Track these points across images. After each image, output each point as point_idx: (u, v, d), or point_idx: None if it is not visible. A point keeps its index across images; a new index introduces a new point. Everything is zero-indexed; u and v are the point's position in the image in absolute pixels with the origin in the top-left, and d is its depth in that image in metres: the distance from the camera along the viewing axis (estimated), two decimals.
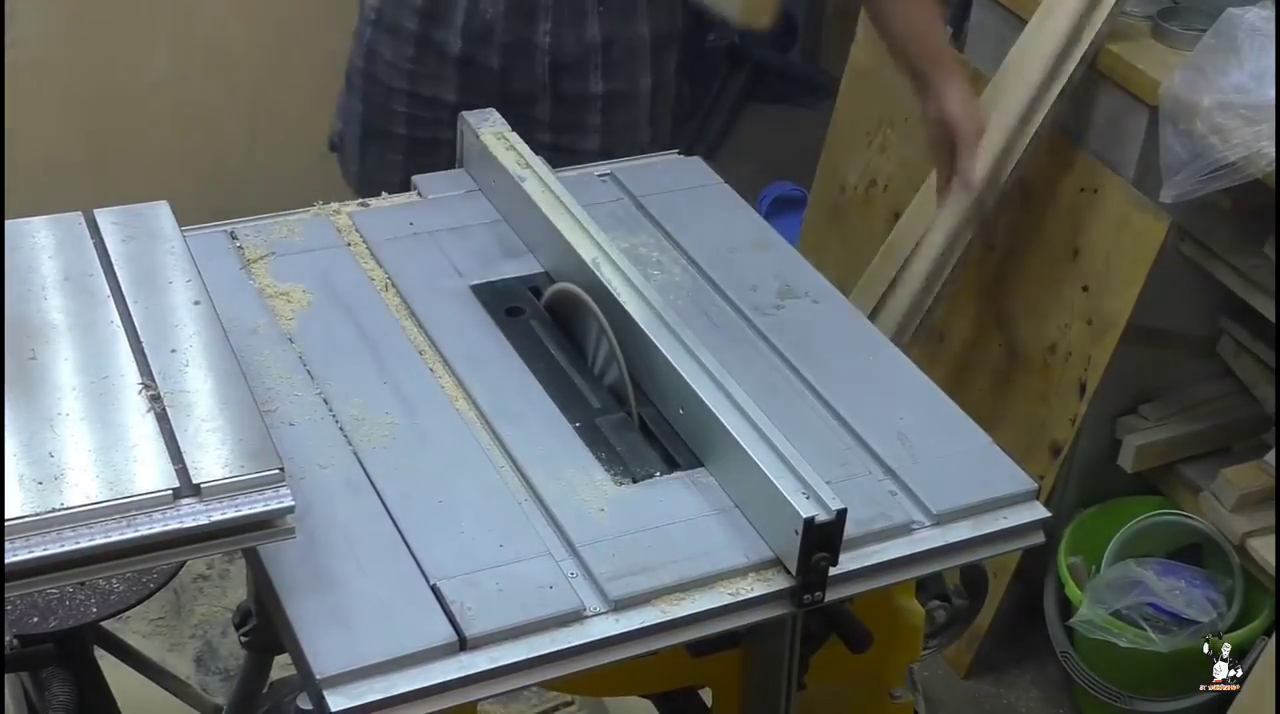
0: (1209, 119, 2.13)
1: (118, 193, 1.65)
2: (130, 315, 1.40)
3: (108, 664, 2.07)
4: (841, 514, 1.32)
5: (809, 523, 1.31)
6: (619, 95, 2.15)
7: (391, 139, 2.33)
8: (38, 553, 1.14)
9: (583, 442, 1.48)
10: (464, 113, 1.89)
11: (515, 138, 1.84)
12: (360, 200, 1.84)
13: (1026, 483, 1.49)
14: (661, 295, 1.60)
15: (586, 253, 1.63)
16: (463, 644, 1.25)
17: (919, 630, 1.57)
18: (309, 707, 1.24)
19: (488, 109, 1.90)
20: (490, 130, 1.85)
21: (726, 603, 1.33)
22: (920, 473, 1.47)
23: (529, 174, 1.77)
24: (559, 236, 1.67)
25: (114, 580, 1.91)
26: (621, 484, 1.43)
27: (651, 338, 1.52)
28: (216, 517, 1.19)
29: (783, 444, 1.39)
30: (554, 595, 1.30)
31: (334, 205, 1.82)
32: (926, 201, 2.58)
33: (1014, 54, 2.41)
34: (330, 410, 1.50)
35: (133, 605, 1.93)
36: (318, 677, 1.21)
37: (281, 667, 1.91)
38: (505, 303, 1.68)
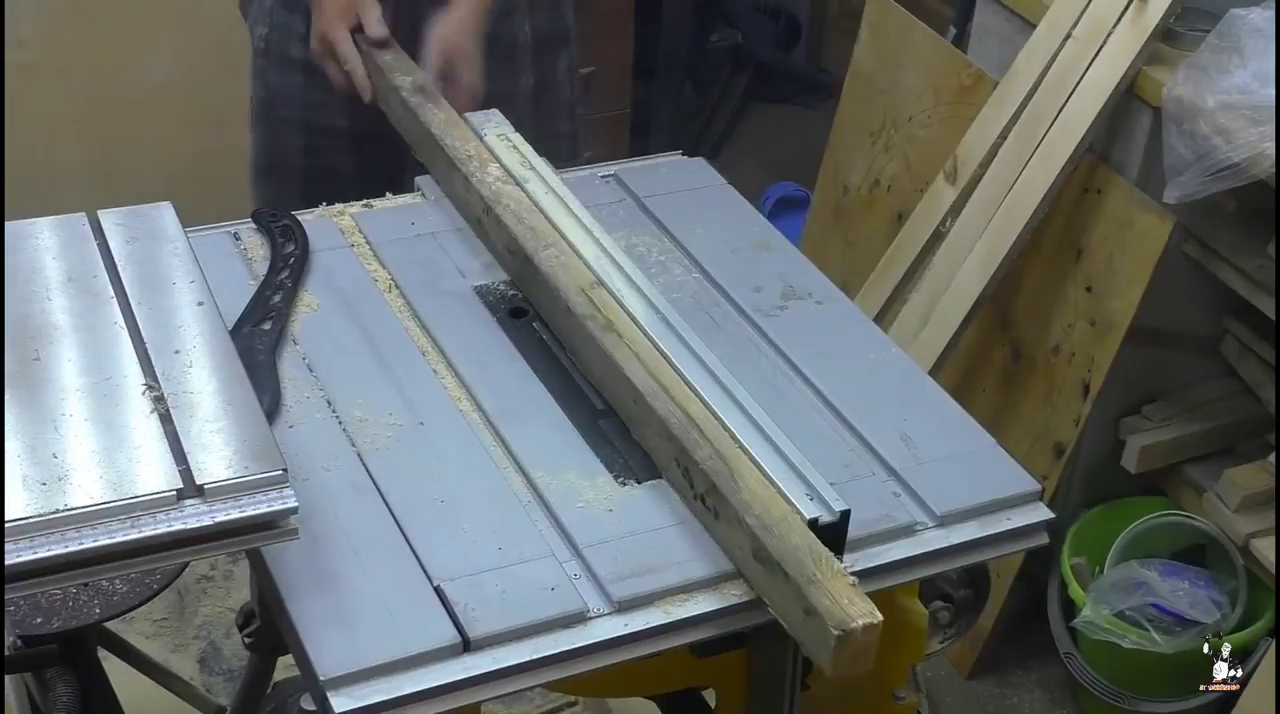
0: (1212, 120, 2.13)
1: (121, 194, 1.65)
2: (134, 316, 1.40)
3: (111, 665, 2.07)
4: (845, 515, 1.32)
5: (813, 524, 1.31)
6: (498, 95, 2.07)
7: (290, 170, 2.30)
8: (41, 554, 1.14)
9: (586, 443, 1.48)
10: (468, 114, 1.89)
11: (519, 138, 1.84)
12: (364, 201, 1.84)
13: (1030, 484, 1.49)
14: (665, 296, 1.60)
15: (590, 254, 1.63)
16: (466, 645, 1.25)
17: (923, 631, 1.57)
18: (312, 708, 1.24)
19: (490, 110, 1.90)
20: (494, 131, 1.85)
21: (730, 604, 1.33)
22: (924, 474, 1.47)
23: (532, 175, 1.77)
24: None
25: (117, 581, 1.91)
26: (625, 485, 1.43)
27: (655, 339, 1.52)
28: (220, 518, 1.19)
29: (786, 445, 1.39)
30: (557, 597, 1.30)
31: (337, 206, 1.82)
32: (932, 203, 2.58)
33: (1051, 80, 2.42)
34: (333, 411, 1.50)
35: (136, 606, 1.93)
36: (321, 678, 1.21)
37: (285, 668, 1.91)
38: (509, 304, 1.67)
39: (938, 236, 2.56)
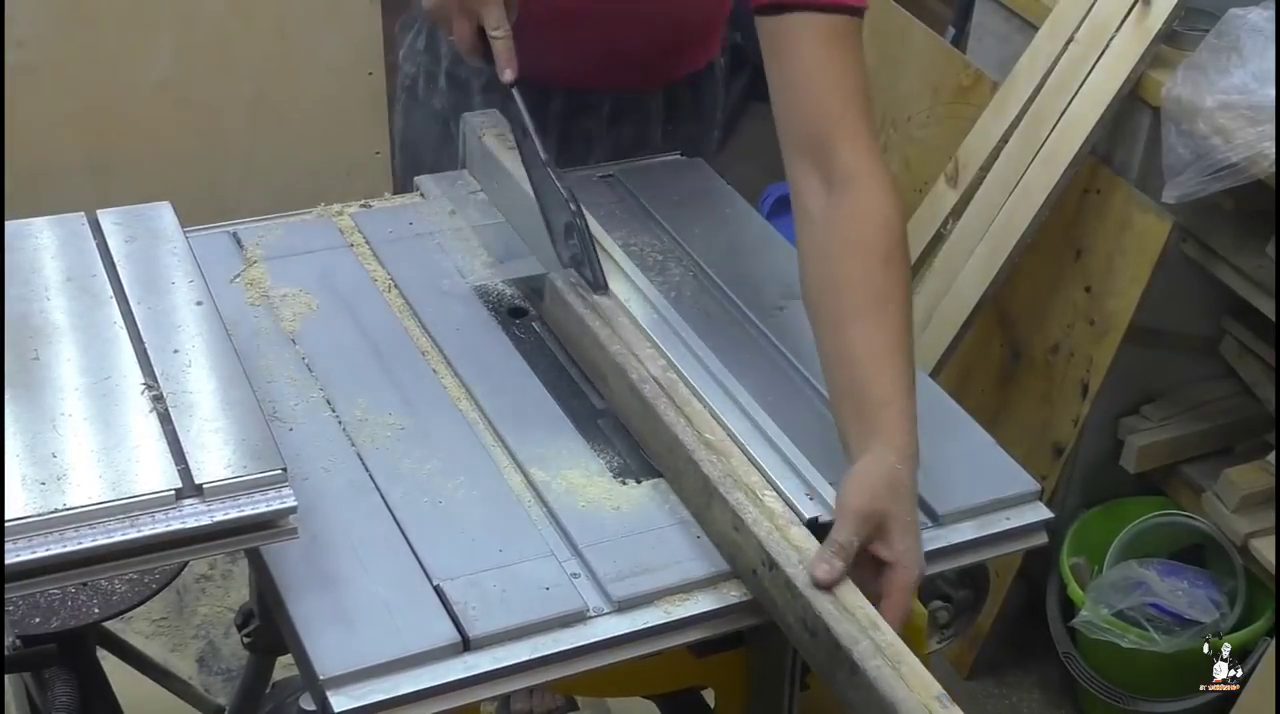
0: (1211, 119, 2.13)
1: (120, 194, 1.65)
2: (133, 316, 1.40)
3: (110, 665, 2.07)
4: None
5: (812, 523, 1.31)
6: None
7: None
8: (40, 553, 1.14)
9: (586, 442, 1.48)
10: (466, 114, 1.88)
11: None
12: (362, 201, 1.84)
13: (1029, 484, 1.49)
14: (663, 296, 1.60)
15: None
16: (466, 645, 1.25)
17: (921, 631, 1.57)
18: (312, 707, 1.24)
19: (489, 109, 1.90)
20: (493, 132, 1.85)
21: (729, 604, 1.33)
22: (923, 474, 1.47)
23: None
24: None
25: (116, 581, 1.91)
26: (625, 484, 1.43)
27: (655, 339, 1.51)
28: (219, 517, 1.19)
29: (786, 445, 1.39)
30: (557, 596, 1.30)
31: (336, 206, 1.82)
32: (933, 205, 2.58)
33: (1053, 82, 2.42)
34: (333, 411, 1.50)
35: (135, 606, 1.93)
36: (321, 677, 1.21)
37: (284, 668, 1.91)
38: (508, 304, 1.68)
39: (939, 238, 2.56)
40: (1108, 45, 2.36)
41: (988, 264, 2.44)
